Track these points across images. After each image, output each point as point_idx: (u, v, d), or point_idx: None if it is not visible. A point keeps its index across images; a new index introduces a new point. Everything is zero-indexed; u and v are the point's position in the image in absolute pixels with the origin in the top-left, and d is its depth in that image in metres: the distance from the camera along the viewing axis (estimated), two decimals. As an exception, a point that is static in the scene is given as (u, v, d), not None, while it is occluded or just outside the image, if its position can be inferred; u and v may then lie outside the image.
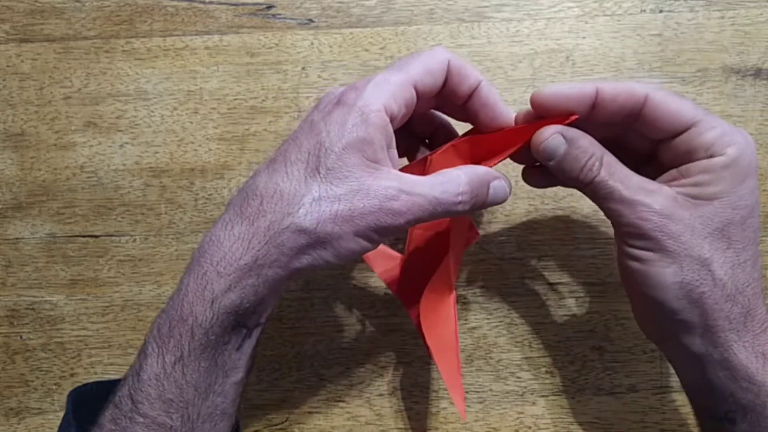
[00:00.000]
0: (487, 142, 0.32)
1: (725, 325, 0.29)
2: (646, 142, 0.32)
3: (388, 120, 0.29)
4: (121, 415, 0.28)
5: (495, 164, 0.32)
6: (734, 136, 0.29)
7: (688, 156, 0.30)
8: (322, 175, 0.28)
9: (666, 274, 0.29)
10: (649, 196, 0.29)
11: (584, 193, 0.31)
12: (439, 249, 0.35)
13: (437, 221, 0.35)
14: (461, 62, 0.31)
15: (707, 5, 0.42)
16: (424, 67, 0.30)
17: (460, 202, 0.29)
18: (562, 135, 0.30)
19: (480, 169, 0.31)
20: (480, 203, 0.31)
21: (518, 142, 0.32)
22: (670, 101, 0.30)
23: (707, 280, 0.29)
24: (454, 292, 0.35)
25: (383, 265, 0.38)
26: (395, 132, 0.30)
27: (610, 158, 0.30)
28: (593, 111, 0.30)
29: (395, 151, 0.31)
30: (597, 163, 0.30)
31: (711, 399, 0.31)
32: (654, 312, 0.31)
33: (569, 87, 0.30)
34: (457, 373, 0.34)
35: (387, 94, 0.29)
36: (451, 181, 0.30)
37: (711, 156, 0.29)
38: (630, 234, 0.30)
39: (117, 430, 0.28)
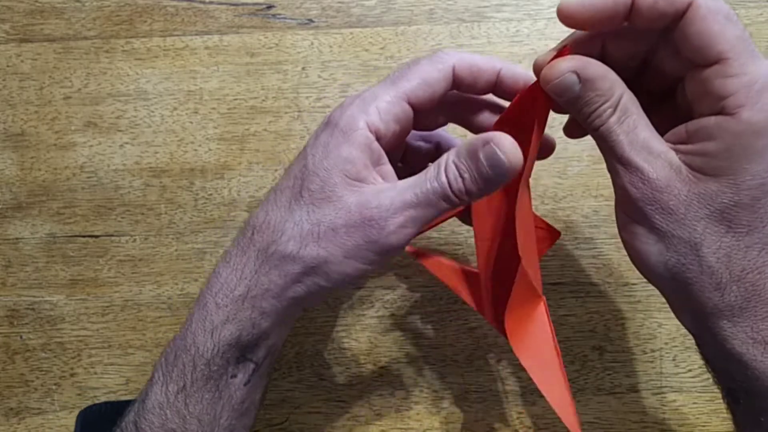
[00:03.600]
0: (514, 112, 0.29)
1: (716, 313, 0.26)
2: (675, 68, 0.26)
3: (372, 138, 0.28)
4: None
5: (540, 137, 0.28)
6: (757, 94, 0.23)
7: (701, 101, 0.25)
8: (305, 199, 0.27)
9: (650, 252, 0.26)
10: (648, 161, 0.25)
11: (592, 137, 0.28)
12: (513, 257, 0.30)
13: (498, 226, 0.32)
14: (471, 60, 0.29)
15: (707, 5, 0.42)
16: (421, 78, 0.28)
17: (455, 182, 0.27)
18: (576, 74, 0.26)
19: (467, 142, 0.28)
20: (483, 178, 0.27)
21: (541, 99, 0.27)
22: (714, 21, 0.23)
23: (693, 266, 0.25)
24: (542, 299, 0.31)
25: (455, 278, 0.35)
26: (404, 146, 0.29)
27: (626, 102, 0.26)
28: (629, 19, 0.26)
29: (388, 166, 0.29)
30: (610, 110, 0.26)
31: (714, 374, 0.29)
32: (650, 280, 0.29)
33: None
34: (566, 391, 0.29)
35: (372, 111, 0.28)
36: (438, 167, 0.27)
37: (721, 111, 0.24)
38: (621, 199, 0.27)
39: None
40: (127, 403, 0.30)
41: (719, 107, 0.24)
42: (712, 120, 0.24)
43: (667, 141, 0.26)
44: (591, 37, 0.27)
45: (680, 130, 0.26)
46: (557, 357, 0.30)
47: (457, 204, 0.27)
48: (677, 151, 0.25)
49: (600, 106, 0.26)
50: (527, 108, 0.28)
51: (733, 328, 0.26)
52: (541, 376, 0.29)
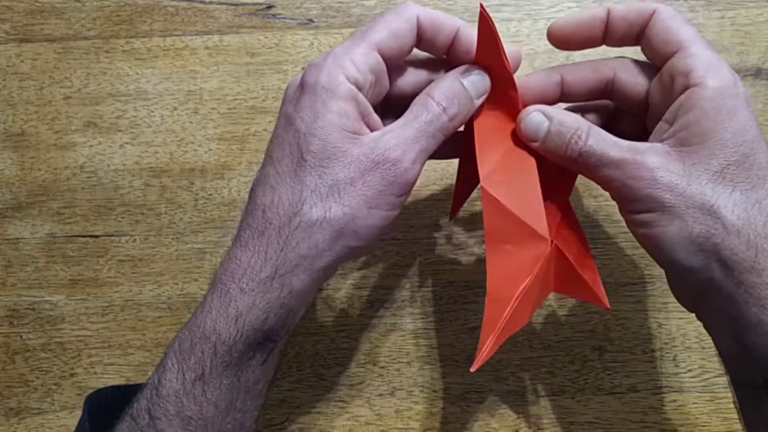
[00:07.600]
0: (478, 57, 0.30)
1: (755, 280, 0.26)
2: (639, 91, 0.30)
3: (356, 90, 0.28)
4: (137, 429, 0.28)
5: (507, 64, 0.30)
6: (716, 66, 0.27)
7: (671, 86, 0.28)
8: (309, 162, 0.27)
9: (671, 232, 0.27)
10: (638, 155, 0.27)
11: (576, 170, 0.30)
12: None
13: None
14: (434, 14, 0.29)
15: (707, 5, 0.42)
16: (388, 29, 0.29)
17: (444, 110, 0.29)
18: (542, 113, 0.29)
19: (446, 77, 0.30)
20: (467, 104, 0.29)
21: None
22: (672, 21, 0.28)
23: (718, 229, 0.26)
24: (548, 241, 0.30)
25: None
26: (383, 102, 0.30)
27: (597, 129, 0.29)
28: (606, 34, 0.30)
29: (375, 116, 0.30)
30: (583, 135, 0.28)
31: (748, 366, 0.27)
32: (678, 276, 0.29)
33: (583, 13, 0.30)
34: (495, 324, 0.29)
35: (347, 64, 0.28)
36: (425, 102, 0.29)
37: (689, 85, 0.27)
38: (626, 199, 0.28)
39: None
40: (134, 387, 0.30)
41: (686, 81, 0.27)
42: (683, 96, 0.27)
43: (653, 139, 0.29)
44: (549, 74, 0.31)
45: (661, 125, 0.29)
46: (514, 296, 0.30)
47: (450, 130, 0.29)
48: (661, 141, 0.28)
49: (573, 132, 0.29)
50: (486, 47, 0.30)
51: None
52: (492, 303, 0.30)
